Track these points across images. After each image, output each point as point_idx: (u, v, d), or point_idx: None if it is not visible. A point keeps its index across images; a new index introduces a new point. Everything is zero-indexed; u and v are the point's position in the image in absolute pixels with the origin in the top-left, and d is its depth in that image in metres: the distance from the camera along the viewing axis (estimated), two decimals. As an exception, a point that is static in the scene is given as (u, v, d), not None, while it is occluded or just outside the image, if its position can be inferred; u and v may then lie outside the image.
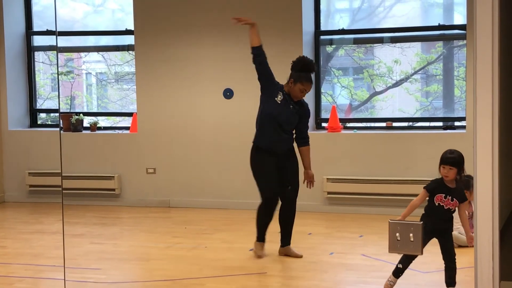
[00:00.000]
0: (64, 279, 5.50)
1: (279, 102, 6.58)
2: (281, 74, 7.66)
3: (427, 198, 5.32)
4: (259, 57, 6.59)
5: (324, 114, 9.35)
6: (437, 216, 5.25)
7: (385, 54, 9.42)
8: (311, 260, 6.62)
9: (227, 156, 9.26)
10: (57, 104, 10.95)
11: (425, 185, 5.35)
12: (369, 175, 8.73)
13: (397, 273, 5.40)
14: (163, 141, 9.54)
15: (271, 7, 9.02)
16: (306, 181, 6.78)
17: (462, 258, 6.61)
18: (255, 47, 6.61)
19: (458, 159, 5.25)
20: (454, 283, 5.37)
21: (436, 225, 5.25)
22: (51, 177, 9.62)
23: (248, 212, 8.91)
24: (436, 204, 5.26)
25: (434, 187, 5.30)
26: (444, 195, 5.24)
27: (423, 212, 5.35)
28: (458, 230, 6.96)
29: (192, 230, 8.08)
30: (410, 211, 5.33)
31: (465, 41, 8.63)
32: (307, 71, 6.60)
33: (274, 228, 6.81)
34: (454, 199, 5.24)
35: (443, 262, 6.59)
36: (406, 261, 5.35)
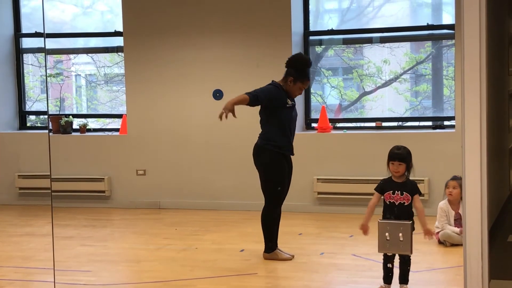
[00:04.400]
0: (54, 282, 5.48)
1: (289, 105, 6.57)
2: (270, 75, 7.66)
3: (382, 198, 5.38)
4: (256, 102, 6.47)
5: (314, 114, 9.36)
6: (390, 214, 5.28)
7: (374, 54, 9.44)
8: (301, 260, 6.62)
9: (217, 157, 9.25)
10: (46, 106, 10.92)
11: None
12: (359, 175, 8.74)
13: (388, 278, 5.41)
14: (153, 142, 9.52)
15: (260, 8, 9.02)
16: None
17: (452, 257, 6.65)
18: (249, 104, 6.47)
19: (406, 155, 5.33)
20: (406, 281, 5.39)
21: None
22: (41, 180, 9.57)
23: (238, 213, 8.94)
24: (387, 202, 5.30)
25: (382, 186, 5.36)
26: (391, 191, 5.28)
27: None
28: (451, 229, 6.99)
29: (183, 232, 8.07)
30: (369, 214, 5.37)
31: (454, 41, 8.65)
32: (308, 68, 6.58)
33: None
34: (404, 193, 5.26)
35: (432, 261, 6.63)
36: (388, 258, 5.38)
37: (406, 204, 5.27)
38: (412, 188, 5.33)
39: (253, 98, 6.40)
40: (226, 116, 6.30)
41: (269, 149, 6.53)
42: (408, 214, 5.30)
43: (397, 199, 5.28)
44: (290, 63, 6.58)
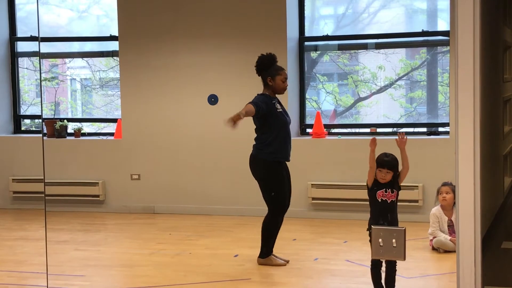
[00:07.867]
0: (47, 286, 5.47)
1: (280, 110, 6.62)
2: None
3: (369, 201, 5.41)
4: (259, 110, 6.45)
5: (309, 120, 9.36)
6: (383, 218, 5.32)
7: (369, 60, 9.44)
8: (295, 266, 6.62)
9: (212, 162, 9.25)
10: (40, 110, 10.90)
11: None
12: (354, 181, 8.73)
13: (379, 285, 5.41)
14: (148, 147, 9.52)
15: (256, 13, 9.03)
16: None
17: (445, 263, 6.65)
18: (254, 114, 6.45)
19: (394, 162, 5.40)
20: (394, 286, 5.39)
21: (387, 221, 5.30)
22: (35, 184, 9.57)
23: (232, 218, 8.93)
24: (379, 200, 5.34)
25: (374, 185, 5.39)
26: (384, 189, 5.34)
27: (370, 216, 5.40)
28: (443, 236, 7.00)
29: (177, 236, 8.06)
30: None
31: (448, 47, 8.67)
32: (275, 62, 6.66)
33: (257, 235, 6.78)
34: (394, 190, 5.36)
35: (426, 267, 6.62)
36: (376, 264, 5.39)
37: (394, 201, 5.37)
38: (396, 184, 5.41)
39: (256, 107, 6.44)
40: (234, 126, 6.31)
41: (264, 158, 6.55)
42: (396, 212, 5.38)
43: (389, 197, 5.34)
44: (260, 68, 6.66)
